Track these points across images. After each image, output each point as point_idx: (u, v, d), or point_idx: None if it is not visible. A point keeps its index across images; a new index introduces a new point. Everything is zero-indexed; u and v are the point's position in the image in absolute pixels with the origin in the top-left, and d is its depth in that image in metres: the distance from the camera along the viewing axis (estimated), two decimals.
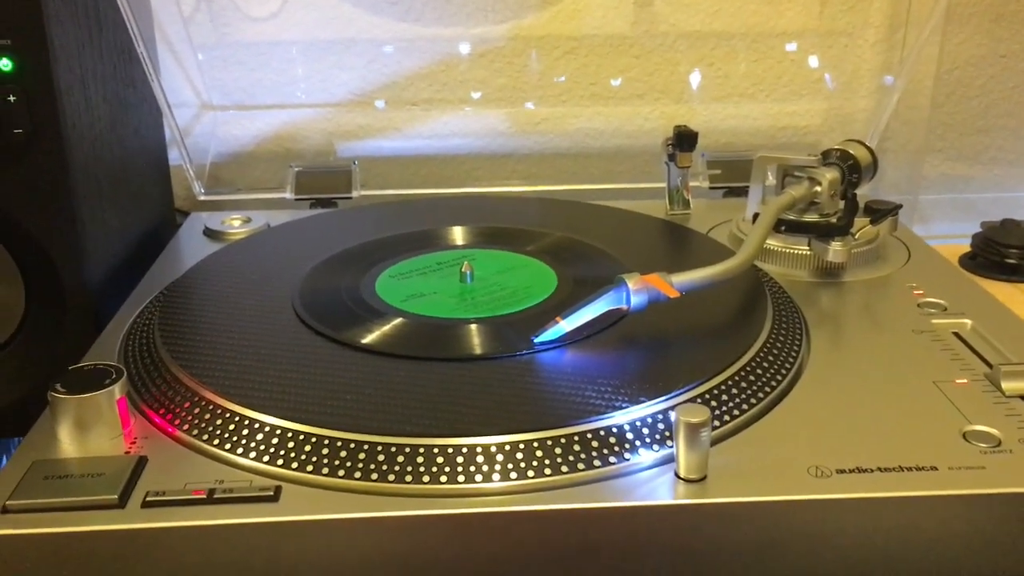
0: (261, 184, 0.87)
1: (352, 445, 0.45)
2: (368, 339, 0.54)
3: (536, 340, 0.52)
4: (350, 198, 0.82)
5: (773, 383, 0.50)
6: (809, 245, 0.65)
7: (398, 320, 0.56)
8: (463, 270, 0.61)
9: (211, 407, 0.48)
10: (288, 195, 0.82)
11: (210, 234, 0.75)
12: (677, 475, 0.44)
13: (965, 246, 0.77)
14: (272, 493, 0.43)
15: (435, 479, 0.43)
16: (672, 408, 0.47)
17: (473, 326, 0.55)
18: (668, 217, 0.77)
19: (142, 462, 0.45)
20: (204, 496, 0.43)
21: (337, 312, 0.57)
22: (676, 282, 0.54)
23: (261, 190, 0.84)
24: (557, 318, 0.53)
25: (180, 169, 0.83)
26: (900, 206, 0.66)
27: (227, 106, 0.87)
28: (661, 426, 0.46)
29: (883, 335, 0.57)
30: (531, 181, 0.89)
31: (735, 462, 0.45)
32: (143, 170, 0.75)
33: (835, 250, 0.63)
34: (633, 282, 0.53)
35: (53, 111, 0.58)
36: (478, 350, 0.53)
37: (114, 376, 0.49)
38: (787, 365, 0.52)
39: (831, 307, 0.61)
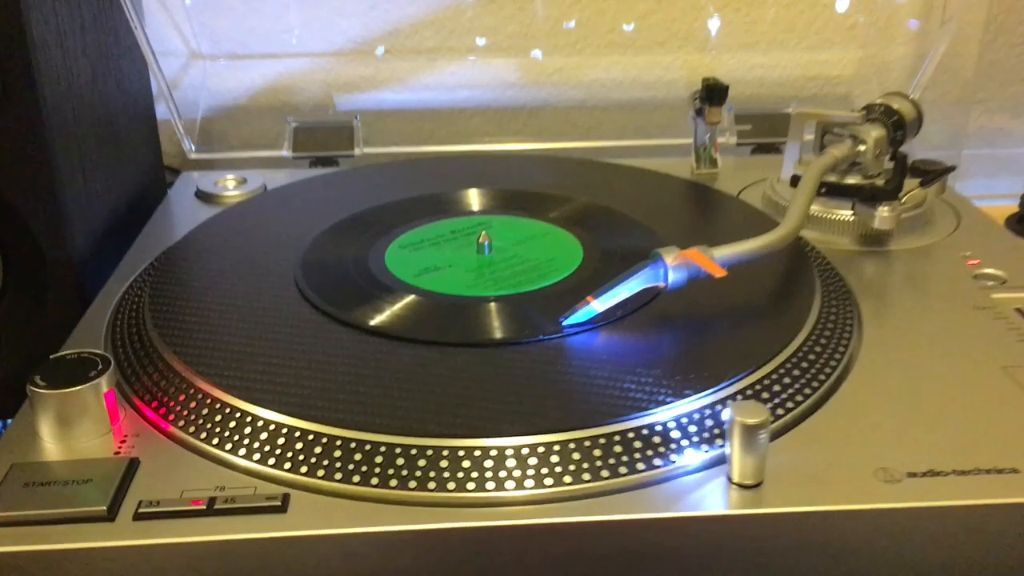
0: (256, 141, 0.82)
1: (368, 447, 0.40)
2: (380, 321, 0.49)
3: (565, 322, 0.48)
4: (352, 156, 0.76)
5: (827, 370, 0.46)
6: (852, 210, 0.60)
7: (411, 298, 0.51)
8: (480, 240, 0.56)
9: (208, 401, 0.44)
10: (285, 153, 0.76)
11: (203, 197, 0.70)
12: (730, 480, 0.39)
13: (1011, 207, 0.72)
14: (280, 503, 0.39)
15: (461, 486, 0.39)
16: (720, 402, 0.43)
17: (494, 305, 0.50)
18: (694, 177, 0.71)
19: (133, 465, 0.41)
20: (203, 507, 0.38)
21: (345, 290, 0.52)
22: (718, 256, 0.49)
23: (256, 147, 0.78)
24: (588, 298, 0.48)
25: (168, 124, 0.77)
26: (953, 167, 0.61)
27: (218, 56, 0.81)
28: (709, 423, 0.42)
29: (940, 313, 0.52)
30: (543, 137, 0.84)
31: (791, 463, 0.40)
32: (128, 127, 0.70)
33: (882, 216, 0.58)
34: (671, 258, 0.48)
35: (27, 66, 0.53)
36: (501, 333, 0.48)
37: (100, 366, 0.44)
38: (840, 350, 0.47)
39: (879, 280, 0.56)
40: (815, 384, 0.45)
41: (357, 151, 0.76)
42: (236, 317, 0.50)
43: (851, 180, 0.62)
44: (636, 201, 0.63)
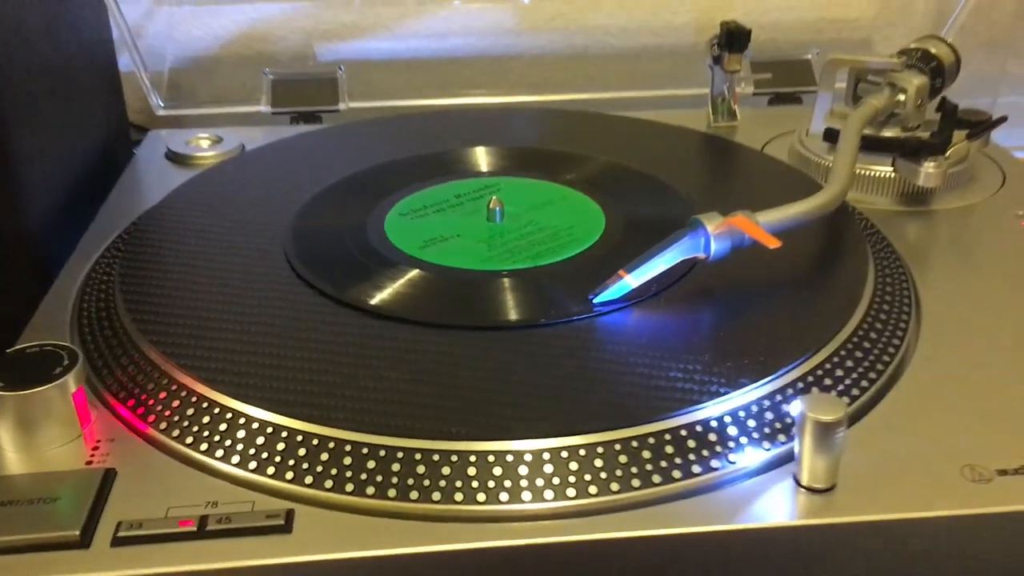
0: (230, 95, 0.75)
1: (383, 453, 0.35)
2: (385, 301, 0.43)
3: (596, 300, 0.42)
4: (337, 111, 0.70)
5: (890, 350, 0.41)
6: (893, 165, 0.55)
7: (416, 274, 0.45)
8: (491, 206, 0.50)
9: (194, 399, 0.38)
10: (263, 108, 0.70)
11: (174, 158, 0.63)
12: (798, 483, 0.35)
13: None
14: (283, 521, 0.33)
15: (493, 497, 0.34)
16: (779, 392, 0.38)
17: (510, 280, 0.45)
18: (711, 130, 0.66)
19: (109, 477, 0.35)
20: (193, 528, 0.33)
21: (343, 265, 0.46)
22: (763, 222, 0.43)
23: (231, 102, 0.71)
24: (620, 272, 0.42)
25: (133, 78, 0.70)
26: (1004, 118, 0.55)
27: (184, 0, 0.73)
28: (769, 416, 0.37)
29: (1001, 281, 0.47)
30: (543, 88, 0.77)
31: (864, 461, 0.35)
32: (88, 81, 0.63)
33: (927, 172, 0.53)
34: (714, 225, 0.42)
35: None
36: (524, 314, 0.42)
37: (67, 361, 0.38)
38: (900, 327, 0.43)
39: (926, 245, 0.51)
40: (879, 367, 0.40)
41: (342, 106, 0.70)
42: (220, 298, 0.44)
43: (889, 133, 0.57)
44: (654, 158, 0.58)
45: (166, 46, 0.74)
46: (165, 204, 0.53)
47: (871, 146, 0.55)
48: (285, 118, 0.70)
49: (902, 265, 0.47)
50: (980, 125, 0.55)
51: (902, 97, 0.56)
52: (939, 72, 0.58)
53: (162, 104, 0.70)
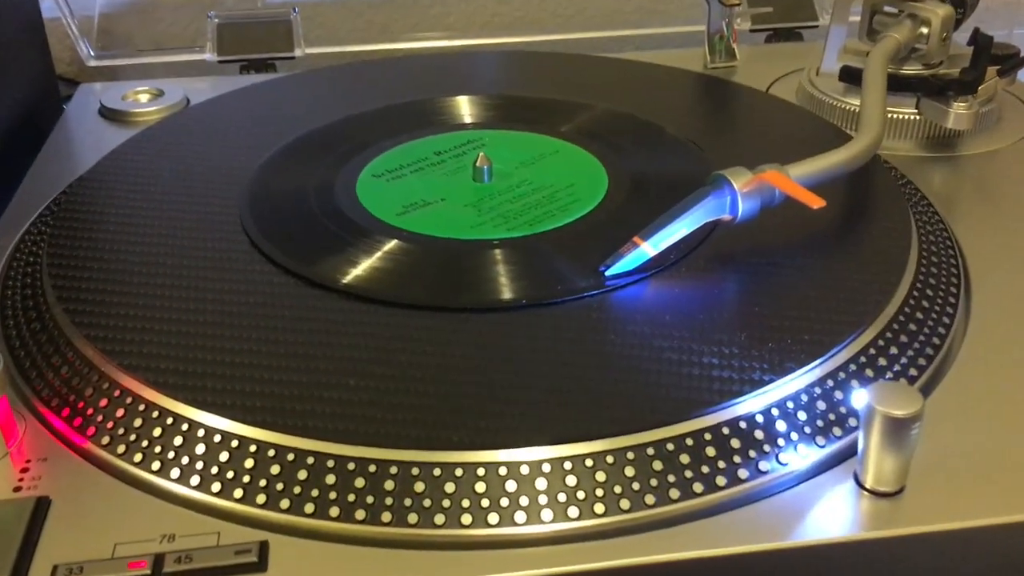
0: (171, 41, 0.67)
1: (373, 468, 0.29)
2: (362, 280, 0.37)
3: (608, 272, 0.37)
4: (292, 58, 0.62)
5: (945, 321, 0.36)
6: (917, 107, 0.50)
7: (396, 246, 0.39)
8: (477, 164, 0.44)
9: (142, 406, 0.32)
10: (209, 56, 0.62)
11: (108, 115, 0.56)
12: (861, 485, 0.30)
13: None
14: (256, 557, 0.28)
15: (508, 519, 0.28)
16: (830, 376, 0.32)
17: (505, 251, 0.39)
18: (708, 71, 0.60)
19: (42, 507, 0.29)
20: (147, 570, 0.27)
21: (312, 239, 0.40)
22: (794, 176, 0.38)
23: (172, 50, 0.64)
24: (635, 238, 0.37)
25: (59, 24, 0.62)
26: None
27: None
28: (820, 406, 0.32)
29: None
30: (516, 28, 0.71)
31: (929, 456, 0.31)
32: (5, 29, 0.55)
33: (958, 113, 0.48)
34: (741, 182, 0.37)
35: None
36: (525, 292, 0.36)
37: None
38: (952, 295, 0.38)
39: (959, 195, 0.47)
40: (934, 343, 0.35)
41: (298, 52, 0.63)
42: (169, 281, 0.37)
43: (911, 70, 0.52)
44: (653, 105, 0.52)
45: None
46: (99, 169, 0.46)
47: (892, 85, 0.49)
48: (234, 67, 0.62)
49: (943, 223, 0.42)
50: (1011, 60, 0.50)
51: (925, 30, 0.51)
52: (960, 2, 0.53)
53: (93, 53, 0.63)
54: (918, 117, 0.50)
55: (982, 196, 0.46)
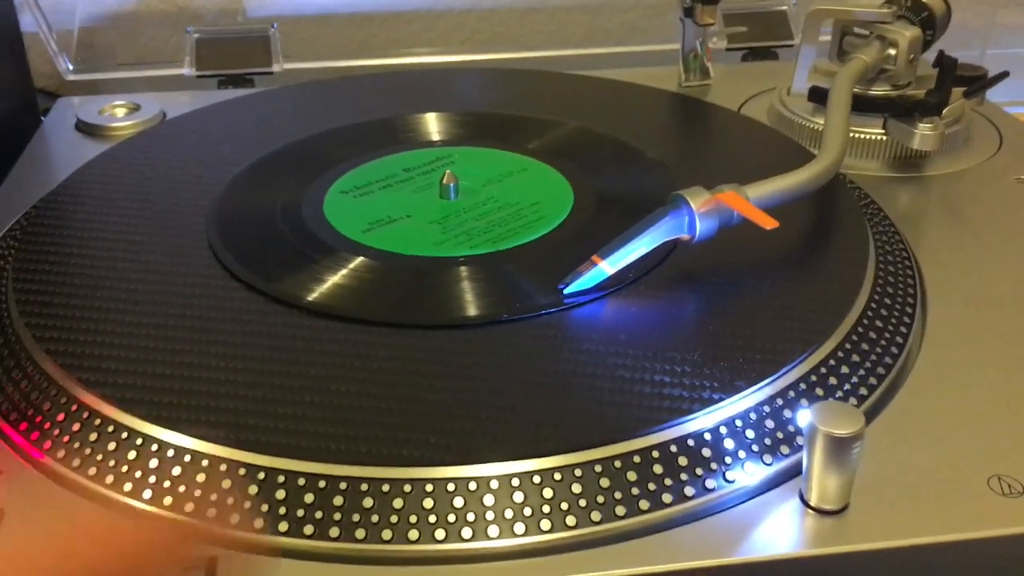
0: (149, 56, 0.68)
1: (323, 484, 0.29)
2: (324, 297, 0.37)
3: (566, 290, 0.37)
4: (270, 74, 0.63)
5: (898, 340, 0.36)
6: (884, 127, 0.51)
7: (360, 263, 0.39)
8: (444, 181, 0.44)
9: (98, 420, 0.32)
10: (187, 71, 0.63)
11: (85, 129, 0.56)
12: (805, 503, 0.30)
13: None
14: (203, 573, 0.28)
15: (455, 534, 0.29)
16: (780, 395, 0.33)
17: (467, 269, 0.39)
18: (682, 90, 0.60)
19: None
20: None
21: (276, 255, 0.40)
22: (752, 197, 0.38)
23: (150, 65, 0.64)
24: (594, 257, 0.37)
25: (38, 38, 0.62)
26: (1005, 74, 0.51)
27: None
28: (769, 424, 0.32)
29: (1009, 255, 0.43)
30: (495, 45, 0.71)
31: (875, 474, 0.31)
32: None
33: (923, 134, 0.49)
34: (699, 202, 0.37)
35: None
36: (482, 309, 0.37)
37: None
38: (907, 314, 0.38)
39: (924, 216, 0.47)
40: (887, 362, 0.35)
41: (276, 67, 0.63)
42: (132, 297, 0.38)
43: (879, 91, 0.52)
44: (623, 123, 0.52)
45: (75, 2, 0.66)
46: (69, 183, 0.47)
47: (860, 106, 0.50)
48: (212, 82, 0.63)
49: (902, 241, 0.43)
50: (978, 81, 0.51)
51: (893, 51, 0.51)
52: (930, 23, 0.54)
53: (71, 67, 0.63)
54: (885, 137, 0.51)
55: (946, 216, 0.47)
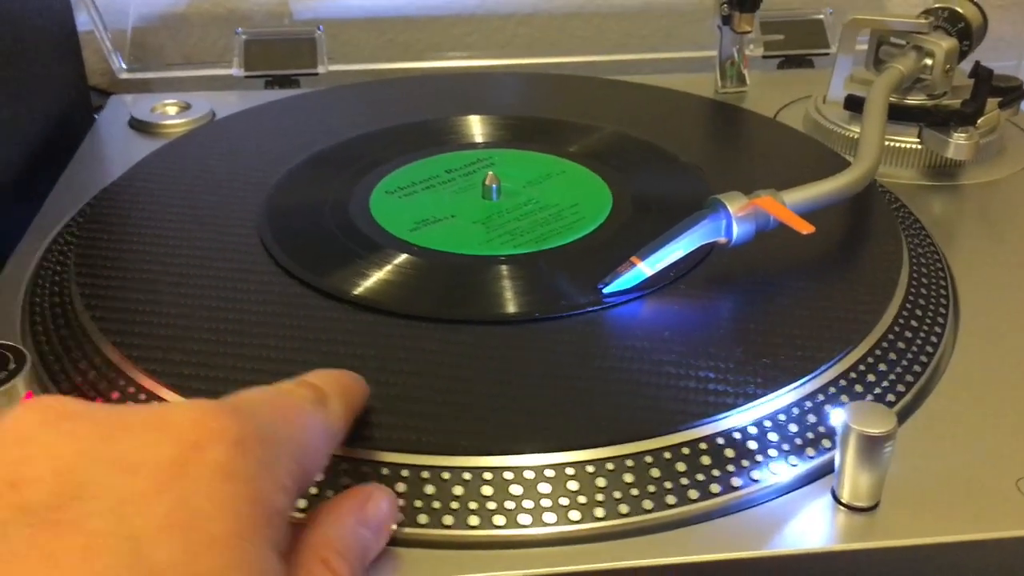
0: (199, 56, 0.69)
1: (385, 471, 0.31)
2: (375, 292, 0.39)
3: (605, 290, 0.38)
4: (316, 75, 0.65)
5: (930, 346, 0.37)
6: (919, 136, 0.51)
7: (407, 260, 0.41)
8: (487, 182, 0.45)
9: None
10: (236, 71, 0.64)
11: (138, 126, 0.58)
12: (837, 500, 0.31)
13: None
14: None
15: (512, 520, 0.30)
16: (817, 395, 0.34)
17: (510, 267, 0.40)
18: (719, 96, 0.61)
19: None
20: None
21: (327, 252, 0.42)
22: (788, 202, 0.39)
23: (200, 64, 0.66)
24: (633, 258, 0.38)
25: (92, 37, 0.64)
26: None
27: None
28: (804, 422, 0.33)
29: None
30: (534, 50, 0.73)
31: (908, 474, 0.32)
32: (42, 41, 0.57)
33: (958, 144, 0.49)
34: (737, 206, 0.38)
35: None
36: (527, 306, 0.38)
37: (13, 364, 0.34)
38: (939, 319, 0.39)
39: (957, 224, 0.48)
40: (919, 365, 0.36)
41: (321, 69, 0.65)
42: (190, 290, 0.39)
43: (914, 100, 0.53)
44: (660, 127, 0.53)
45: (129, 2, 0.68)
46: (126, 179, 0.49)
47: (895, 115, 0.51)
48: (259, 82, 0.65)
49: (935, 248, 0.44)
50: (1014, 92, 0.51)
51: (929, 61, 0.52)
52: (966, 34, 0.54)
53: (125, 66, 0.65)
54: (920, 146, 0.51)
55: (979, 224, 0.48)
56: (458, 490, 0.30)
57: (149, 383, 0.34)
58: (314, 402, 0.28)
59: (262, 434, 0.24)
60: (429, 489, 0.30)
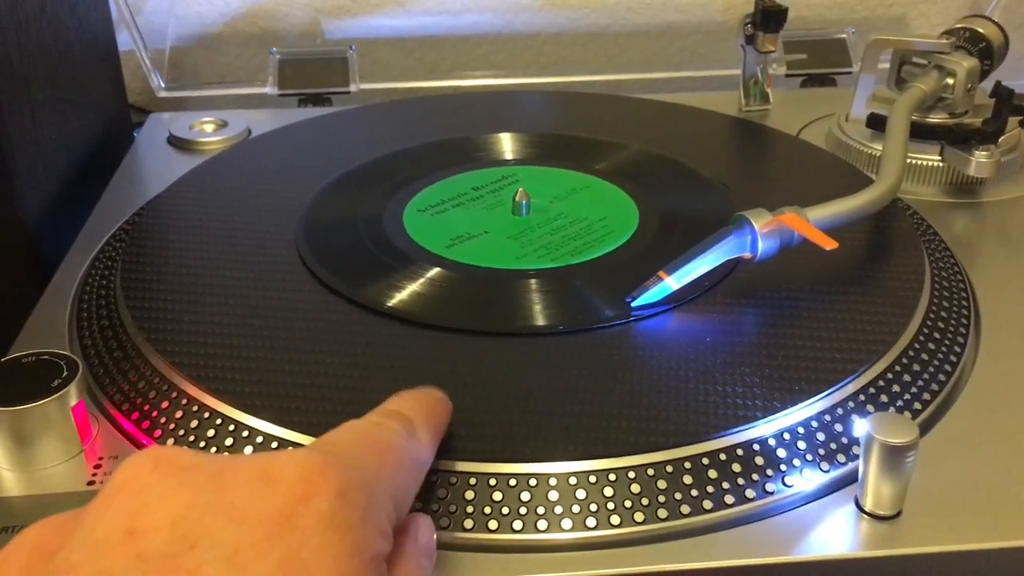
0: (235, 75, 0.71)
1: (434, 478, 0.32)
2: (412, 306, 0.40)
3: (633, 303, 0.39)
4: (348, 93, 0.66)
5: (952, 358, 0.38)
6: (941, 154, 0.52)
7: (443, 274, 0.42)
8: (517, 198, 0.47)
9: (200, 411, 0.35)
10: (270, 90, 0.66)
11: (176, 143, 0.60)
12: (860, 508, 0.32)
13: None
14: None
15: (531, 526, 0.31)
16: (839, 407, 0.35)
17: (540, 281, 0.42)
18: (743, 114, 0.62)
19: None
20: None
21: (365, 268, 0.43)
22: (812, 219, 0.40)
23: (236, 83, 0.68)
24: (660, 272, 0.39)
25: (133, 57, 0.67)
26: None
27: None
28: (827, 432, 0.34)
29: None
30: (561, 68, 0.74)
31: (929, 483, 0.33)
32: (86, 62, 0.59)
33: (980, 161, 0.50)
34: (762, 223, 0.39)
35: None
36: (556, 319, 0.39)
37: (66, 372, 0.35)
38: (961, 332, 0.40)
39: (978, 240, 0.48)
40: (941, 378, 0.37)
41: (353, 87, 0.66)
42: (230, 300, 0.41)
43: (936, 119, 0.54)
44: (684, 145, 0.54)
45: (167, 23, 0.70)
46: (168, 195, 0.50)
47: (917, 133, 0.52)
48: (293, 100, 0.66)
49: (957, 264, 0.45)
50: None
51: (951, 81, 0.53)
52: (988, 54, 0.55)
53: (163, 85, 0.67)
54: (942, 164, 0.52)
55: (1000, 241, 0.48)
56: (486, 495, 0.31)
57: (194, 391, 0.36)
58: (406, 436, 0.29)
59: (363, 482, 0.25)
60: (469, 495, 0.31)
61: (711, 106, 0.61)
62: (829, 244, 0.38)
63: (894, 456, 0.30)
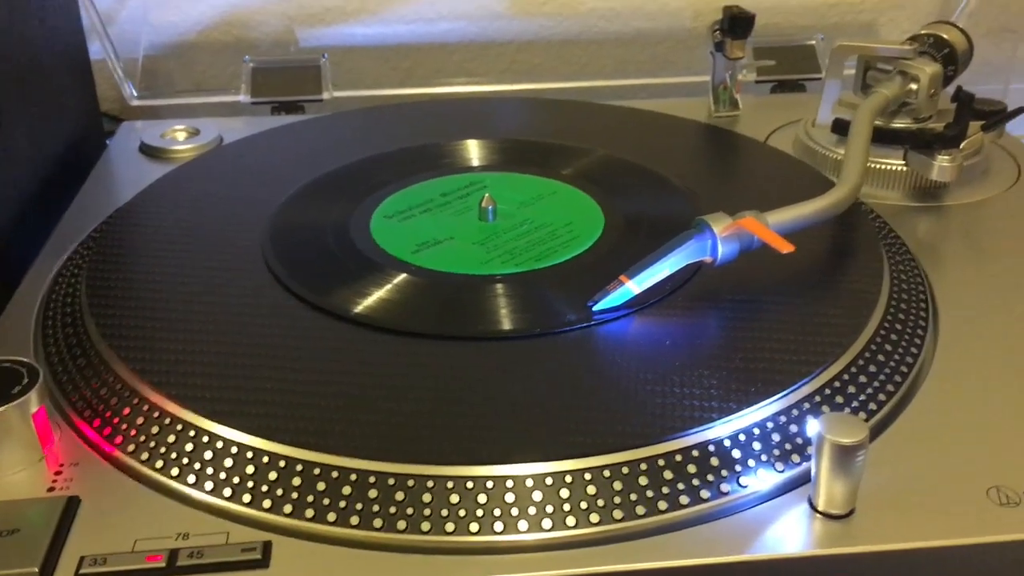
0: (208, 83, 0.71)
1: (372, 479, 0.32)
2: (377, 311, 0.40)
3: (595, 307, 0.40)
4: (320, 100, 0.66)
5: (908, 360, 0.39)
6: (904, 159, 0.53)
7: (409, 280, 0.42)
8: (483, 204, 0.47)
9: (161, 417, 0.35)
10: (243, 98, 0.66)
11: (148, 151, 0.60)
12: (813, 508, 0.32)
13: None
14: (259, 555, 0.31)
15: (487, 528, 0.31)
16: (794, 408, 0.35)
17: (504, 286, 0.42)
18: (712, 120, 0.63)
19: (72, 505, 0.33)
20: (162, 563, 0.30)
21: (330, 275, 0.43)
22: (772, 223, 0.41)
23: (208, 91, 0.68)
24: (622, 276, 0.40)
25: (104, 65, 0.67)
26: (1022, 108, 0.53)
27: None
28: (782, 434, 0.34)
29: (1022, 283, 0.45)
30: (534, 75, 0.74)
31: (881, 483, 0.33)
32: (56, 71, 0.59)
33: (941, 165, 0.51)
34: (721, 227, 0.40)
35: None
36: (517, 323, 0.40)
37: (26, 379, 0.35)
38: (918, 335, 0.40)
39: (940, 243, 0.49)
40: (896, 380, 0.38)
41: (325, 95, 0.66)
42: (196, 307, 0.41)
43: (900, 124, 0.54)
44: (652, 151, 0.55)
45: (140, 31, 0.70)
46: (136, 203, 0.50)
47: (881, 138, 0.53)
48: (266, 108, 0.66)
49: (917, 266, 0.45)
50: (996, 116, 0.53)
51: (914, 86, 0.54)
52: (951, 59, 0.56)
53: (136, 94, 0.67)
54: (905, 168, 0.53)
55: (962, 244, 0.49)
56: (427, 497, 0.31)
57: (156, 397, 0.36)
58: None
59: None
60: (433, 498, 0.31)
61: (681, 112, 0.62)
62: (786, 247, 0.39)
63: (845, 456, 0.31)
